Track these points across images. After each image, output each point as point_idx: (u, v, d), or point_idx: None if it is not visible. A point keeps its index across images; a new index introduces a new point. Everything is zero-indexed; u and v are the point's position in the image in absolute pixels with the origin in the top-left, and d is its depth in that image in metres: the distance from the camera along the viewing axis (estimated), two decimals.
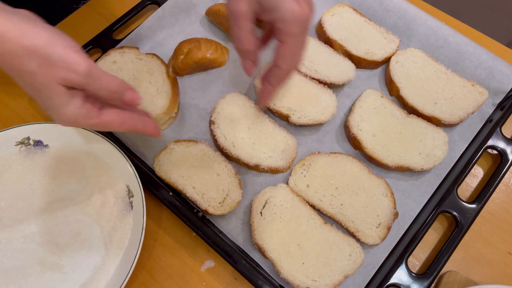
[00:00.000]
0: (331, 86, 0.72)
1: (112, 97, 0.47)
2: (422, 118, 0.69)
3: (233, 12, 0.51)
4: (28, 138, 0.64)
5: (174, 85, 0.69)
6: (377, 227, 0.60)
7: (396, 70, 0.73)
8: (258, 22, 0.79)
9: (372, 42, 0.76)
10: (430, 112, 0.69)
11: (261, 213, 0.61)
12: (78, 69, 0.42)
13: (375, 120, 0.68)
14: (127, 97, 0.47)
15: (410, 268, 0.58)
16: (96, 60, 0.71)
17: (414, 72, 0.73)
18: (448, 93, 0.71)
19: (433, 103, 0.70)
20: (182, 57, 0.72)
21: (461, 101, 0.70)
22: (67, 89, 0.44)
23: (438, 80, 0.72)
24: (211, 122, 0.68)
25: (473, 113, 0.69)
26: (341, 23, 0.78)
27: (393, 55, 0.75)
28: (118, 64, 0.70)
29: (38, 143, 0.65)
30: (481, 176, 0.68)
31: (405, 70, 0.73)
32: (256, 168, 0.65)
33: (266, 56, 0.77)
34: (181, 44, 0.73)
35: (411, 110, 0.71)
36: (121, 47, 0.71)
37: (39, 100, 0.45)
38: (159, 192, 0.61)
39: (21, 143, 0.64)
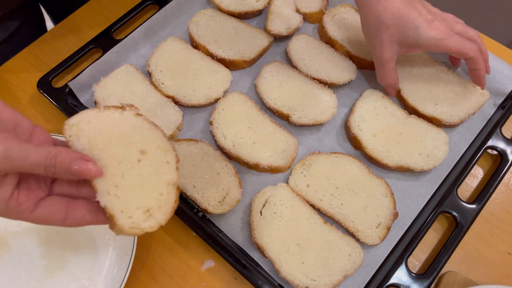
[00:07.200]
0: (331, 86, 0.72)
1: (54, 174, 0.38)
2: (423, 118, 0.69)
3: (379, 58, 0.65)
4: None
5: None
6: (377, 227, 0.60)
7: (398, 70, 0.72)
8: None
9: None
10: (431, 113, 0.69)
11: (261, 212, 0.61)
12: None
13: (375, 120, 0.68)
14: (74, 169, 0.38)
15: (410, 268, 0.58)
16: None
17: (415, 72, 0.73)
18: (449, 94, 0.71)
19: (434, 104, 0.70)
20: None
21: (462, 102, 0.70)
22: None
23: (440, 81, 0.72)
24: (211, 122, 0.68)
25: (474, 114, 0.69)
26: (343, 23, 0.78)
27: None
28: None
29: None
30: (481, 177, 0.68)
31: (406, 70, 0.73)
32: (256, 167, 0.65)
33: (268, 57, 0.78)
34: None
35: (412, 111, 0.70)
36: None
37: None
38: None
39: None
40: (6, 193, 0.38)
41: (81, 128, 0.42)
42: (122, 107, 0.44)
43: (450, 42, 0.60)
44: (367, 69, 0.76)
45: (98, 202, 0.40)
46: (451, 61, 0.74)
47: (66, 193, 0.43)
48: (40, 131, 0.44)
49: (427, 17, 0.60)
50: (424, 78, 0.72)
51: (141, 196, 0.41)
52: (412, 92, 0.71)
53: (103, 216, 0.41)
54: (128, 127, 0.43)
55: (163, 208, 0.41)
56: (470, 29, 0.65)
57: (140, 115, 0.45)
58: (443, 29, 0.60)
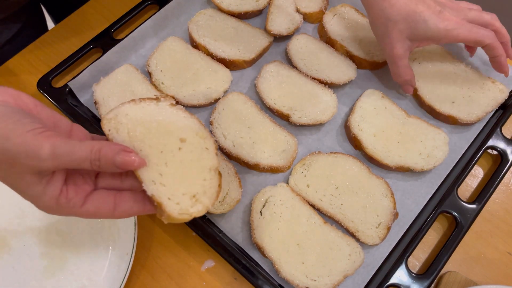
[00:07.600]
0: (332, 86, 0.72)
1: (100, 168, 0.39)
2: (439, 117, 0.69)
3: (390, 56, 0.63)
4: None
5: None
6: (377, 227, 0.60)
7: (413, 67, 0.71)
8: None
9: (374, 43, 0.75)
10: (448, 111, 0.68)
11: (260, 212, 0.61)
12: (41, 154, 0.36)
13: (375, 120, 0.68)
14: (118, 162, 0.39)
15: (410, 268, 0.58)
16: None
17: (432, 70, 0.72)
18: (467, 91, 0.70)
19: (451, 102, 0.69)
20: None
21: (480, 99, 0.69)
22: (40, 177, 0.38)
23: (457, 79, 0.71)
24: (211, 122, 0.68)
25: (491, 111, 0.68)
26: (343, 23, 0.78)
27: None
28: None
29: None
30: (481, 177, 0.68)
31: (422, 68, 0.72)
32: (256, 167, 0.65)
33: (268, 57, 0.78)
34: None
35: (428, 109, 0.70)
36: None
37: (17, 192, 0.40)
38: None
39: None
40: (55, 190, 0.39)
41: (119, 121, 0.43)
42: (157, 99, 0.46)
43: (462, 32, 0.59)
44: (367, 69, 0.76)
45: (143, 192, 0.41)
46: (467, 49, 0.71)
47: (110, 187, 0.44)
48: (78, 128, 0.45)
49: (436, 8, 0.59)
50: (441, 75, 0.71)
51: (186, 183, 0.43)
52: (429, 91, 0.70)
53: (150, 205, 0.42)
54: (165, 117, 0.45)
55: (208, 192, 0.43)
56: (486, 13, 0.62)
57: (175, 105, 0.46)
58: (453, 19, 0.59)
